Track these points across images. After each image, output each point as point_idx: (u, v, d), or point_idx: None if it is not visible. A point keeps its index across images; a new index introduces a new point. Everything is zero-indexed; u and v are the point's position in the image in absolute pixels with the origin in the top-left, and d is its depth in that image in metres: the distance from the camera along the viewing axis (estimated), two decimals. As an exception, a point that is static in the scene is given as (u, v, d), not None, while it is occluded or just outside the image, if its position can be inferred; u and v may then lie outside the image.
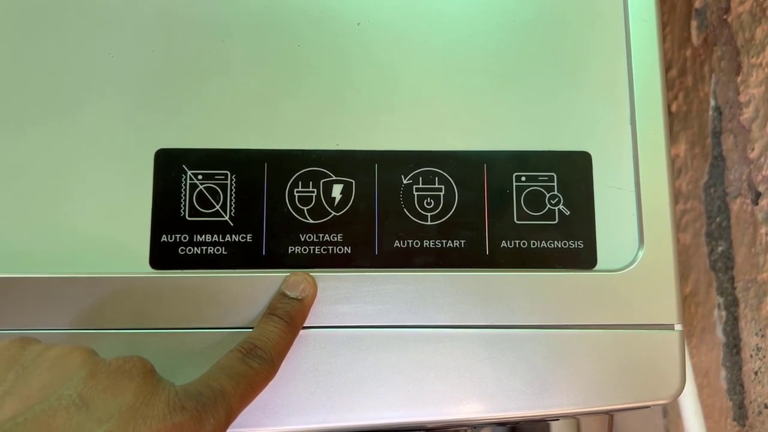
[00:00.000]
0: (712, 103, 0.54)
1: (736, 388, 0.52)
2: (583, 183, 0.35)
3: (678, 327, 0.34)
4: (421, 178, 0.35)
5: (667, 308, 0.34)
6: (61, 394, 0.24)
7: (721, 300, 0.54)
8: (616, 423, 0.65)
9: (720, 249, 0.54)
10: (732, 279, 0.53)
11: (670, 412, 0.63)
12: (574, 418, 0.55)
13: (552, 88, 0.36)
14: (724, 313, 0.54)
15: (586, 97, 0.36)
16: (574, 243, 0.35)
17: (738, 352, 0.52)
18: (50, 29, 0.35)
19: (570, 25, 0.37)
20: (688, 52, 0.58)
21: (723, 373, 0.54)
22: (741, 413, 0.52)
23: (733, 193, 0.52)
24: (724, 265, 0.54)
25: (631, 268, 0.35)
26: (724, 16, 0.52)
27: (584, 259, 0.35)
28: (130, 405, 0.25)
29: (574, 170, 0.35)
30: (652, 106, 0.36)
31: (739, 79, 0.50)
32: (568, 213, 0.35)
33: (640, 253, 0.35)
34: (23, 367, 0.25)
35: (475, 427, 0.38)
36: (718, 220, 0.54)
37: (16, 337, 0.27)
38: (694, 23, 0.57)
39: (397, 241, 0.35)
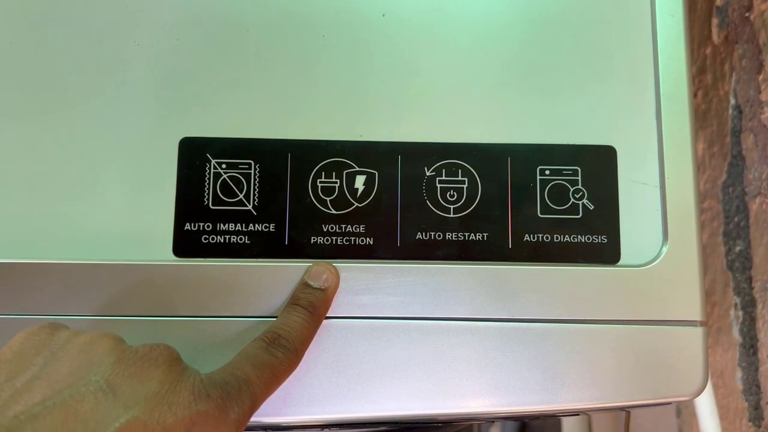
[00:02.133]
0: (732, 101, 0.54)
1: (752, 388, 0.52)
2: (607, 177, 0.35)
3: (701, 324, 0.34)
4: (444, 170, 0.35)
5: (691, 305, 0.34)
6: (88, 380, 0.24)
7: (738, 300, 0.54)
8: (629, 422, 0.65)
9: (738, 249, 0.54)
10: (749, 279, 0.52)
11: (684, 412, 0.63)
12: (587, 414, 0.54)
13: (577, 82, 0.36)
14: (740, 313, 0.53)
15: (612, 91, 0.36)
16: (597, 237, 0.35)
17: (755, 353, 0.52)
18: (77, 18, 0.35)
19: (596, 18, 0.36)
20: (708, 50, 0.58)
21: (739, 374, 0.54)
22: (757, 414, 0.51)
23: (752, 192, 0.52)
24: (741, 265, 0.53)
25: (654, 263, 0.34)
26: (746, 14, 0.51)
27: (608, 253, 0.35)
28: (156, 392, 0.25)
29: (598, 164, 0.35)
30: (678, 101, 0.36)
31: (760, 77, 0.49)
32: (592, 207, 0.35)
33: (664, 249, 0.34)
34: (52, 353, 0.25)
35: (492, 421, 0.38)
36: (736, 219, 0.54)
37: (45, 323, 0.27)
38: (715, 21, 0.56)
39: (419, 233, 0.35)
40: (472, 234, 0.35)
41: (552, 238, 0.35)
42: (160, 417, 0.24)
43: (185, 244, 0.34)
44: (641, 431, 0.69)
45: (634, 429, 0.69)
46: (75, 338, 0.26)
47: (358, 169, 0.35)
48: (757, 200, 0.51)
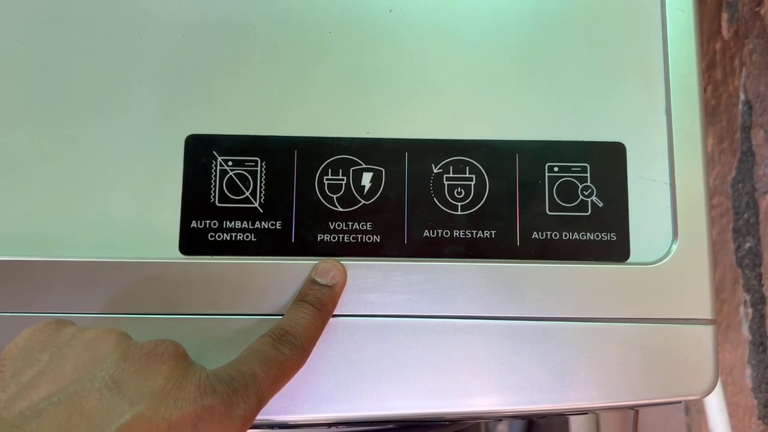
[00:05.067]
0: (742, 97, 0.53)
1: (762, 386, 0.52)
2: (616, 174, 0.35)
3: (711, 322, 0.34)
4: (451, 167, 0.35)
5: (701, 303, 0.34)
6: (93, 376, 0.24)
7: (747, 297, 0.53)
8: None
9: (747, 245, 0.53)
10: (759, 276, 0.52)
11: (693, 410, 0.62)
12: (595, 413, 0.54)
13: (586, 78, 0.35)
14: (750, 310, 0.53)
15: (621, 87, 0.35)
16: (606, 235, 0.35)
17: (764, 350, 0.51)
18: (82, 15, 0.35)
19: (605, 13, 0.36)
20: (718, 45, 0.57)
21: (748, 371, 0.53)
22: (766, 412, 0.51)
23: (762, 188, 0.51)
24: (751, 262, 0.53)
25: (664, 261, 0.34)
26: (757, 9, 0.51)
27: (617, 251, 0.34)
28: (162, 387, 0.25)
29: (607, 161, 0.35)
30: (688, 97, 0.35)
31: (771, 72, 0.49)
32: (601, 204, 0.35)
33: (674, 247, 0.34)
34: (58, 348, 0.25)
35: (499, 419, 0.38)
36: (746, 216, 0.53)
37: (51, 320, 0.27)
38: (724, 16, 0.56)
39: (426, 231, 0.35)
40: (480, 231, 0.35)
41: (560, 235, 0.35)
42: (166, 412, 0.24)
43: (192, 242, 0.34)
44: (650, 428, 0.69)
45: (643, 426, 0.69)
46: (80, 334, 0.26)
47: (364, 166, 0.35)
48: (767, 197, 0.50)
